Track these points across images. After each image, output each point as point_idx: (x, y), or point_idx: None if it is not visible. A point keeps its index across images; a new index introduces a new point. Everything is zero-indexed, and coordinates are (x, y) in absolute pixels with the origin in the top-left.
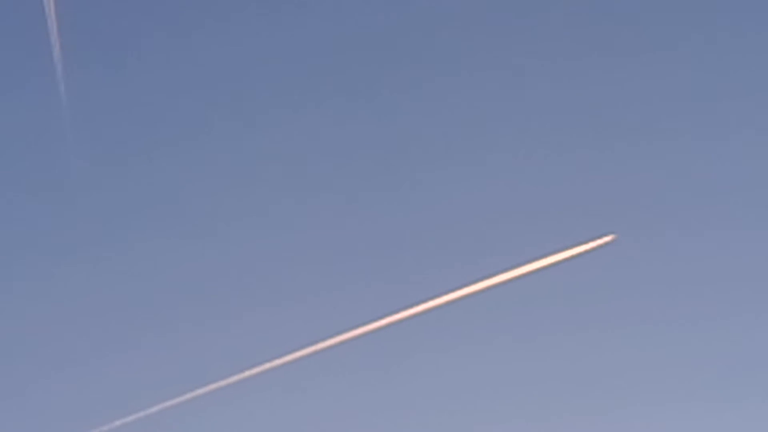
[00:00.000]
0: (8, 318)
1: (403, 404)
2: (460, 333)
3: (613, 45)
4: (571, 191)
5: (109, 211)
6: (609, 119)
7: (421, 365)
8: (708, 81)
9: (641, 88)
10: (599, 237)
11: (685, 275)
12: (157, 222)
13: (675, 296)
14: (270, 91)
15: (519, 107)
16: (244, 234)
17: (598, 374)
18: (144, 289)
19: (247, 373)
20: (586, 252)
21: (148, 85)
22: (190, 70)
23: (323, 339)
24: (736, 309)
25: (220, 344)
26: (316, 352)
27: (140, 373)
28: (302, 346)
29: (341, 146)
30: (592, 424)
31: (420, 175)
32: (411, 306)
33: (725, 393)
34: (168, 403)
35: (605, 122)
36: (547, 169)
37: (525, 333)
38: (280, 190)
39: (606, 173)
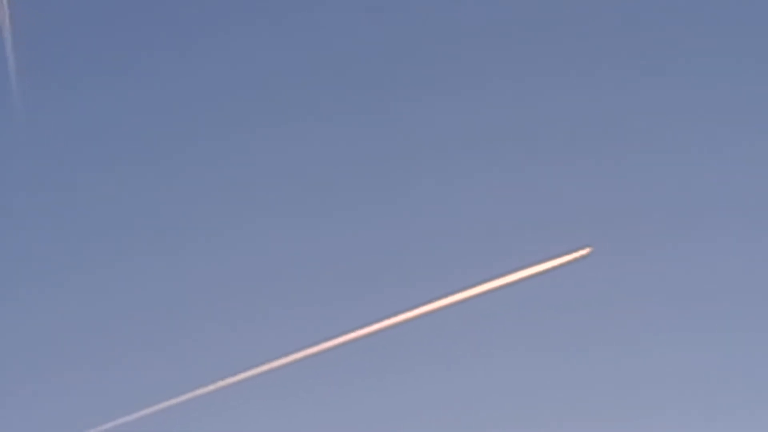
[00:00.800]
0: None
1: (388, 408)
2: (437, 343)
3: (591, 62)
4: (549, 204)
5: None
6: (587, 133)
7: (402, 371)
8: (687, 94)
9: (619, 102)
10: (576, 250)
11: (660, 288)
12: (155, 224)
13: (650, 308)
14: (267, 95)
15: (497, 122)
16: (238, 238)
17: (571, 383)
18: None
19: (244, 375)
20: (563, 265)
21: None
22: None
23: (319, 342)
24: (714, 320)
25: (216, 346)
26: (311, 355)
27: (137, 373)
28: (297, 349)
29: (340, 152)
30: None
31: (402, 188)
32: (390, 316)
33: (702, 403)
34: (163, 405)
35: (584, 135)
36: (526, 183)
37: (502, 343)
38: (278, 196)
39: (583, 186)
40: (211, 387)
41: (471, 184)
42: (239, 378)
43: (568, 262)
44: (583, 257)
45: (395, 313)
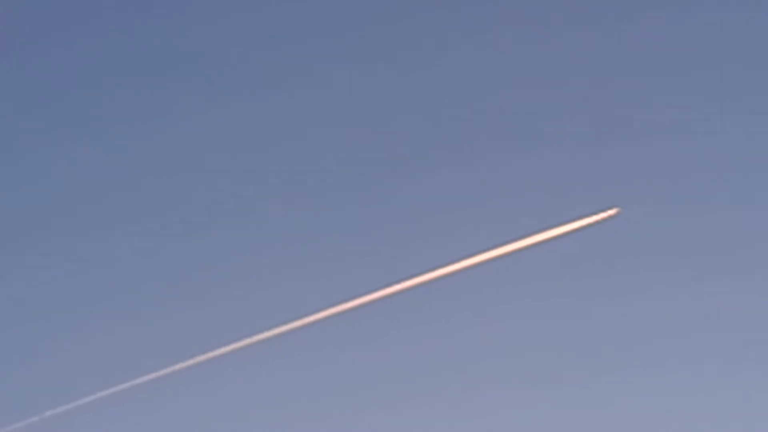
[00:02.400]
0: None
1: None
2: (468, 301)
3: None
4: (577, 165)
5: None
6: (614, 94)
7: (436, 329)
8: (714, 54)
9: (646, 62)
10: (604, 210)
11: (688, 248)
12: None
13: (678, 269)
14: (257, 68)
15: (526, 82)
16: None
17: (599, 344)
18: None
19: (233, 347)
20: (591, 225)
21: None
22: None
23: (319, 310)
24: (741, 283)
25: (208, 318)
26: (311, 323)
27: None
28: (291, 319)
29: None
30: (593, 393)
31: (428, 144)
32: (416, 275)
33: (727, 366)
34: (157, 374)
35: (610, 97)
36: (553, 144)
37: (530, 304)
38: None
39: (610, 147)
40: (197, 360)
41: (501, 145)
42: (225, 351)
43: (596, 223)
44: (610, 218)
45: (428, 270)
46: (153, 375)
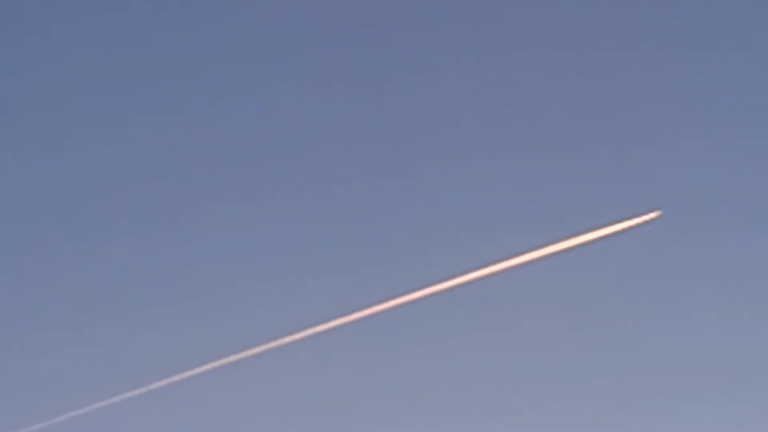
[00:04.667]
0: None
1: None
2: (515, 297)
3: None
4: (620, 167)
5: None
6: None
7: (468, 330)
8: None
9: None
10: (645, 213)
11: (727, 254)
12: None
13: (716, 274)
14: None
15: (565, 85)
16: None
17: (637, 342)
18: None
19: (242, 355)
20: (632, 227)
21: None
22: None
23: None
24: None
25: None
26: (317, 334)
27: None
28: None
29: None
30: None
31: (458, 148)
32: (465, 272)
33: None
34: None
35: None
36: (598, 145)
37: (569, 303)
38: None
39: (654, 150)
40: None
41: (544, 147)
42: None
43: (638, 225)
44: (652, 220)
45: (471, 270)
46: (170, 380)
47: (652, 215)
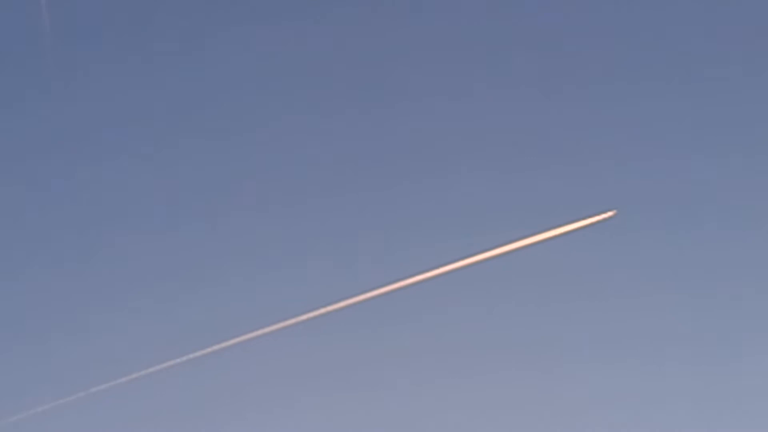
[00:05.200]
0: None
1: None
2: (472, 295)
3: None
4: (576, 167)
5: None
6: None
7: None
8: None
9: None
10: (601, 213)
11: (682, 252)
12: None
13: (670, 270)
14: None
15: (526, 91)
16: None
17: (596, 338)
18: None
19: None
20: (588, 226)
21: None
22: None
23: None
24: (734, 285)
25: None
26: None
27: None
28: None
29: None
30: (592, 385)
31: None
32: (422, 272)
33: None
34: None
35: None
36: (555, 146)
37: (532, 297)
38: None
39: (611, 151)
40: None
41: (500, 149)
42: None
43: (593, 224)
44: (607, 219)
45: (429, 269)
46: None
47: (608, 214)
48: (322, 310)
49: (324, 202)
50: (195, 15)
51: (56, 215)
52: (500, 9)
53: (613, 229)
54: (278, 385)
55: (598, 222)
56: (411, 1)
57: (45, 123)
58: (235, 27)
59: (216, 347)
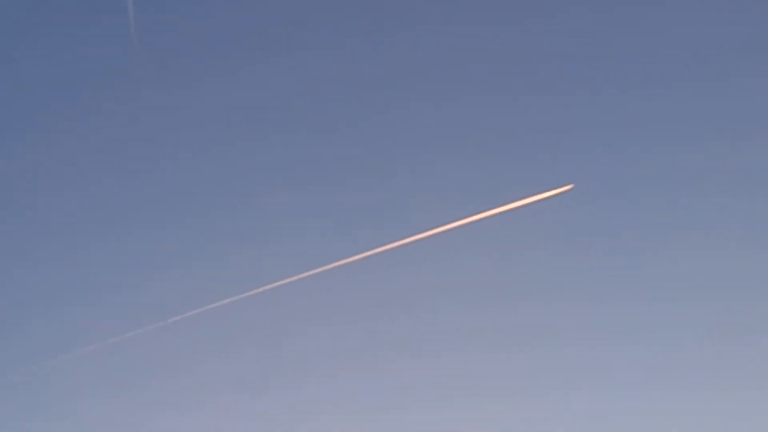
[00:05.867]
0: None
1: None
2: (434, 267)
3: None
4: (536, 141)
5: None
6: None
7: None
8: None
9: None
10: (559, 186)
11: (639, 226)
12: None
13: (628, 244)
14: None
15: (493, 55)
16: None
17: (549, 306)
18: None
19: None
20: (547, 199)
21: None
22: None
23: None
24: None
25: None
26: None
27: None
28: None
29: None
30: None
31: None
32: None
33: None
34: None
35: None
36: (517, 122)
37: (495, 264)
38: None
39: (569, 124)
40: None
41: (464, 119)
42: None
43: (552, 197)
44: (565, 193)
45: (397, 239)
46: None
47: (566, 187)
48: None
49: None
50: None
51: None
52: None
53: (571, 201)
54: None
55: (558, 194)
56: None
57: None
58: None
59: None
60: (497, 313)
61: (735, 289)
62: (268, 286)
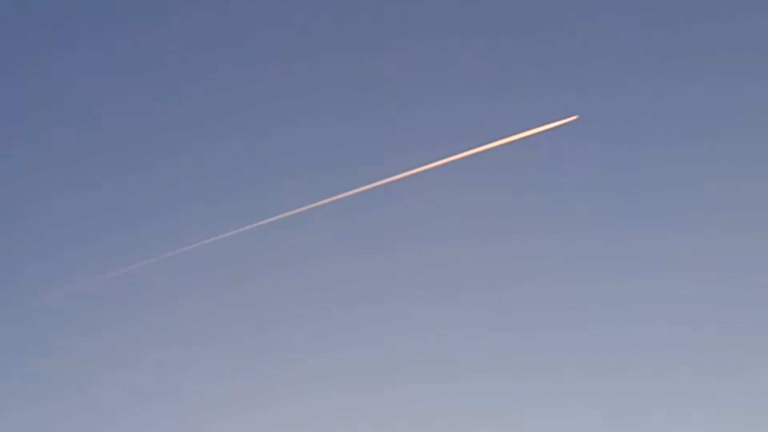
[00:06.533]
0: None
1: None
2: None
3: None
4: (543, 74)
5: None
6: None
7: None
8: None
9: None
10: (564, 117)
11: (639, 156)
12: None
13: (630, 173)
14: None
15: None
16: None
17: (553, 235)
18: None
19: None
20: (552, 129)
21: None
22: None
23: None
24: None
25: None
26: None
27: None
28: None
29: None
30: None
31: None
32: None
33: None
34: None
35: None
36: (522, 52)
37: (500, 195)
38: None
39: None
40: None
41: (467, 48)
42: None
43: (557, 128)
44: (570, 123)
45: (406, 169)
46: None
47: (571, 118)
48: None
49: None
50: None
51: None
52: None
53: (575, 131)
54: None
55: (563, 125)
56: None
57: None
58: None
59: None
60: (501, 244)
61: (744, 213)
62: (296, 210)
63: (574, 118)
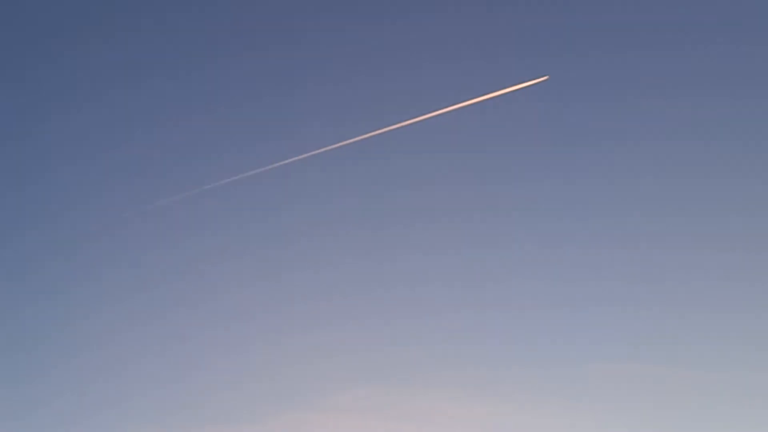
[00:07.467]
0: None
1: None
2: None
3: None
4: (513, 35)
5: None
6: None
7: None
8: None
9: None
10: (535, 78)
11: (606, 114)
12: None
13: (592, 126)
14: None
15: None
16: None
17: (523, 191)
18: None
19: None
20: (524, 89)
21: None
22: None
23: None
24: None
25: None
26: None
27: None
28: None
29: None
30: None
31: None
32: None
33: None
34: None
35: None
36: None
37: (470, 154)
38: None
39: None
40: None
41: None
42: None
43: (527, 87)
44: (540, 83)
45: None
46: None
47: (542, 78)
48: None
49: None
50: None
51: None
52: None
53: (544, 92)
54: None
55: (533, 85)
56: None
57: None
58: None
59: None
60: (483, 186)
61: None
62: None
63: (544, 78)
